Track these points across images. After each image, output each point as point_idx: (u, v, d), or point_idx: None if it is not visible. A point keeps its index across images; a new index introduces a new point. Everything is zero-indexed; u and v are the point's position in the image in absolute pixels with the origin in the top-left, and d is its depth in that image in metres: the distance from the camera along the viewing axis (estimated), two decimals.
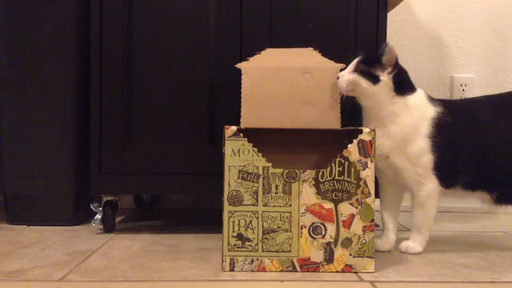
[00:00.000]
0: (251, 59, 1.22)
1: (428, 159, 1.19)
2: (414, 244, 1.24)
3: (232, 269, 1.06)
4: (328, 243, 1.08)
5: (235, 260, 1.06)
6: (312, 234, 1.08)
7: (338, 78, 1.20)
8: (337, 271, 1.08)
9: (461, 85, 1.97)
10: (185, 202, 1.93)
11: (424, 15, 1.98)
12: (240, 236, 1.06)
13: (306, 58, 1.23)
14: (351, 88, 1.19)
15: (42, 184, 1.50)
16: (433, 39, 1.98)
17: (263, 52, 1.25)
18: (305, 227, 1.08)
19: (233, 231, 1.06)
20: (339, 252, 1.08)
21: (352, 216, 1.08)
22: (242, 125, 1.15)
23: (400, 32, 1.98)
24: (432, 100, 1.25)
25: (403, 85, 1.21)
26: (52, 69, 1.49)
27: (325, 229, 1.08)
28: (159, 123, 1.41)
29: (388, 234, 1.28)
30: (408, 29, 1.98)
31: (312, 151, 1.24)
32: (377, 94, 1.19)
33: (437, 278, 1.04)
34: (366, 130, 1.08)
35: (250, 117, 1.18)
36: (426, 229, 1.24)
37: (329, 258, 1.08)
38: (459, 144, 1.21)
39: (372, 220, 1.08)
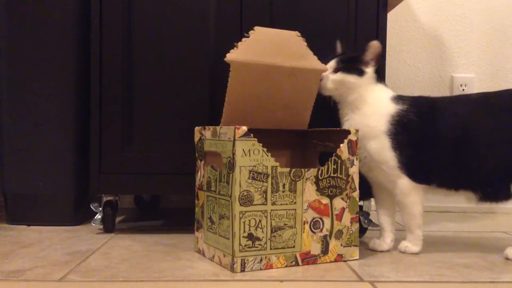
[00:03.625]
0: (241, 45, 1.16)
1: (390, 156, 1.19)
2: (410, 244, 1.24)
3: (243, 269, 1.07)
4: (325, 236, 1.14)
5: (245, 260, 1.07)
6: (313, 229, 1.13)
7: (321, 80, 1.25)
8: (330, 261, 1.15)
9: (461, 85, 1.97)
10: (185, 202, 1.93)
11: (424, 15, 1.98)
12: (250, 236, 1.07)
13: (294, 50, 1.21)
14: (337, 87, 1.25)
15: (42, 184, 1.50)
16: (433, 39, 1.98)
17: (252, 35, 1.17)
18: (307, 222, 1.12)
19: (244, 231, 1.07)
20: (333, 243, 1.15)
21: (343, 210, 1.16)
22: (222, 124, 1.18)
23: (400, 32, 1.98)
24: (401, 98, 1.24)
25: (380, 76, 1.28)
26: (52, 69, 1.49)
27: (323, 223, 1.14)
28: (159, 123, 1.41)
29: (384, 234, 1.28)
30: (408, 29, 1.98)
31: (282, 149, 1.33)
32: (362, 85, 1.24)
33: (437, 278, 1.04)
34: (353, 131, 1.16)
35: (230, 117, 1.19)
36: (416, 227, 1.23)
37: (325, 250, 1.14)
38: (432, 144, 1.19)
39: (357, 212, 1.18)
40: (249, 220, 1.07)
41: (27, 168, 1.50)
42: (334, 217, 1.15)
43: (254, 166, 1.07)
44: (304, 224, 1.12)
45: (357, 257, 1.18)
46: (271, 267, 1.09)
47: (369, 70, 1.25)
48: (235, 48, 1.15)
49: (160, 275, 1.03)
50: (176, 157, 1.40)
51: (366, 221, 1.45)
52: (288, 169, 1.10)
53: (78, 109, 1.51)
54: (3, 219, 1.56)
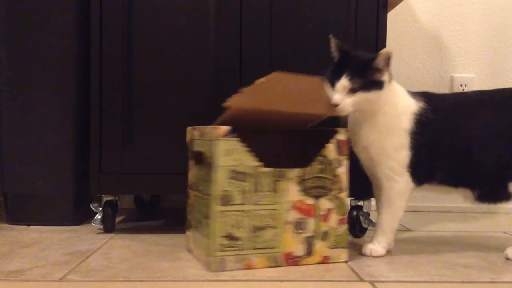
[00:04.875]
0: (247, 90, 1.06)
1: (405, 155, 1.17)
2: (378, 246, 1.21)
3: (221, 269, 1.07)
4: (309, 237, 1.13)
5: (224, 260, 1.07)
6: (296, 230, 1.12)
7: (336, 105, 1.12)
8: (316, 263, 1.13)
9: (461, 85, 1.97)
10: (185, 202, 1.92)
11: (424, 15, 1.98)
12: (229, 236, 1.07)
13: (307, 97, 1.12)
14: (358, 108, 1.14)
15: (42, 184, 1.50)
16: (433, 39, 1.98)
17: (266, 80, 1.06)
18: (290, 223, 1.11)
19: (223, 231, 1.06)
20: (318, 245, 1.13)
21: (329, 211, 1.14)
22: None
23: (400, 32, 1.98)
24: (414, 94, 1.22)
25: (391, 72, 1.19)
26: (52, 69, 1.49)
27: (307, 224, 1.12)
28: (159, 123, 1.41)
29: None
30: (408, 29, 1.98)
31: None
32: (383, 94, 1.16)
33: (437, 278, 1.04)
34: (341, 130, 1.14)
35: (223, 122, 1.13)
36: (391, 230, 1.21)
37: (310, 251, 1.13)
38: (440, 141, 1.18)
39: (345, 214, 1.16)
40: (229, 220, 1.07)
41: (27, 168, 1.50)
42: (320, 218, 1.13)
43: (235, 166, 1.07)
44: (286, 224, 1.10)
45: (346, 259, 1.16)
46: (251, 267, 1.09)
47: (386, 78, 1.16)
48: (240, 92, 1.06)
49: (160, 275, 1.03)
50: (176, 157, 1.40)
51: (366, 221, 1.45)
52: (270, 169, 1.09)
53: (78, 109, 1.51)
54: (3, 219, 1.56)
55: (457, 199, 1.25)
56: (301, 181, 1.11)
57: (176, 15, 1.41)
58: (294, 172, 1.11)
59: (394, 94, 1.20)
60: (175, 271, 1.07)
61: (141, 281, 1.00)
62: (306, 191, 1.12)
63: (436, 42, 1.98)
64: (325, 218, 1.14)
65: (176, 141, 1.41)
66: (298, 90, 1.10)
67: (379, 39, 1.41)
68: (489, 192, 1.20)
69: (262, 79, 1.06)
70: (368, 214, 1.47)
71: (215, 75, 1.41)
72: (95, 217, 1.45)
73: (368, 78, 1.13)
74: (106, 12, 1.39)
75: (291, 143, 1.25)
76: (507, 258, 1.20)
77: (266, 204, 1.09)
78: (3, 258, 1.15)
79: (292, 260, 1.11)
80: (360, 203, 1.47)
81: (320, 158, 1.13)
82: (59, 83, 1.49)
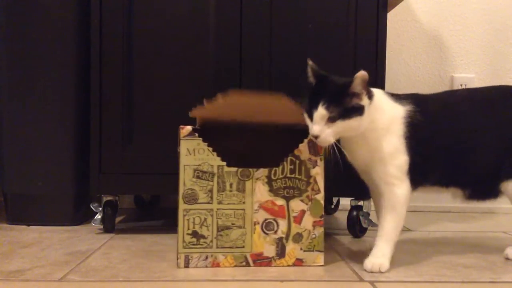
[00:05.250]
0: (209, 104, 1.11)
1: (403, 160, 1.12)
2: (384, 259, 1.10)
3: (186, 265, 1.08)
4: (280, 238, 1.12)
5: (189, 257, 1.08)
6: (265, 230, 1.11)
7: (316, 137, 1.04)
8: (288, 265, 1.11)
9: (461, 85, 1.97)
10: None
11: (424, 15, 1.98)
12: (195, 234, 1.08)
13: (270, 109, 1.12)
14: (339, 136, 1.09)
15: (42, 184, 1.50)
16: (433, 39, 1.98)
17: (223, 97, 1.11)
18: (258, 223, 1.11)
19: (188, 228, 1.08)
20: (290, 246, 1.12)
21: (303, 212, 1.12)
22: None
23: (400, 32, 1.98)
24: (400, 97, 1.18)
25: (371, 92, 1.10)
26: (52, 69, 1.49)
27: (277, 225, 1.11)
28: (159, 122, 1.41)
29: None
30: (408, 29, 1.98)
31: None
32: (365, 119, 1.08)
33: (437, 278, 1.04)
34: None
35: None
36: (395, 239, 1.14)
37: (281, 252, 1.12)
38: (432, 142, 1.16)
39: (322, 216, 1.12)
40: (194, 218, 1.08)
41: (27, 168, 1.50)
42: (292, 219, 1.11)
43: (199, 165, 1.08)
44: (254, 224, 1.10)
45: (322, 263, 1.12)
46: (218, 265, 1.09)
47: (365, 102, 1.07)
48: (204, 104, 1.11)
49: (160, 275, 1.03)
50: (176, 157, 1.40)
51: (366, 221, 1.45)
52: (235, 169, 1.09)
53: (78, 109, 1.51)
54: (3, 219, 1.56)
55: (457, 199, 1.25)
56: (270, 181, 1.10)
57: (176, 15, 1.41)
58: (261, 172, 1.10)
59: (377, 111, 1.12)
60: (175, 271, 1.07)
61: (141, 281, 1.00)
62: (275, 191, 1.11)
63: (436, 42, 1.98)
64: (298, 219, 1.12)
65: (176, 141, 1.41)
66: (264, 104, 1.12)
67: (379, 39, 1.41)
68: (480, 191, 1.20)
69: (221, 95, 1.11)
70: (368, 214, 1.47)
71: (215, 75, 1.41)
72: (95, 217, 1.45)
73: (346, 104, 1.05)
74: (106, 12, 1.39)
75: (261, 143, 1.22)
76: (507, 258, 1.20)
77: (232, 204, 1.10)
78: (3, 258, 1.15)
79: (261, 261, 1.11)
80: (360, 203, 1.47)
81: (291, 158, 1.11)
82: (59, 83, 1.49)
